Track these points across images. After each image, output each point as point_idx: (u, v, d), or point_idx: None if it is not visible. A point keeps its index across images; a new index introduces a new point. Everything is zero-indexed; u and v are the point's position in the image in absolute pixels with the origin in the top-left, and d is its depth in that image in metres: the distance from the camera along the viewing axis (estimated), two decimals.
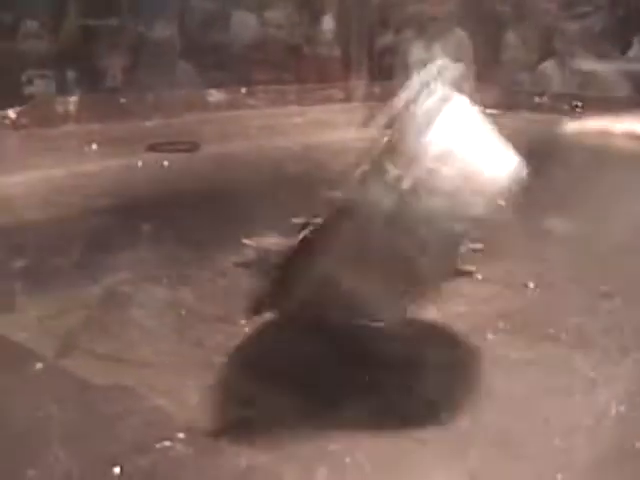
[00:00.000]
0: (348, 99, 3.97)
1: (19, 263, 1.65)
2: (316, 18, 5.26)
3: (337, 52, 4.81)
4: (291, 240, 1.38)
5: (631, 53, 4.58)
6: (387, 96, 3.94)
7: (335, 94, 3.95)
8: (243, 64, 4.61)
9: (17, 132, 2.71)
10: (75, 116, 2.90)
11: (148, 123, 3.09)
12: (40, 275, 1.55)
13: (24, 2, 4.56)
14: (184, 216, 1.87)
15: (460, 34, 5.07)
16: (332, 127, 3.26)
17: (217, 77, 4.61)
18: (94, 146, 2.39)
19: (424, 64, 4.50)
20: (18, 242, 1.75)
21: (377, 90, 4.19)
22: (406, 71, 4.93)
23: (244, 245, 1.42)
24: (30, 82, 3.82)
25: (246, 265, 1.40)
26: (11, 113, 2.77)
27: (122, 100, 3.17)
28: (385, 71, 4.76)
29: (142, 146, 2.47)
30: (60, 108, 2.88)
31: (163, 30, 4.55)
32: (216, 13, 5.14)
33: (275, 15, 4.90)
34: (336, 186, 2.11)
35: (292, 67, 4.74)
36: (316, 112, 3.59)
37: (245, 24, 5.14)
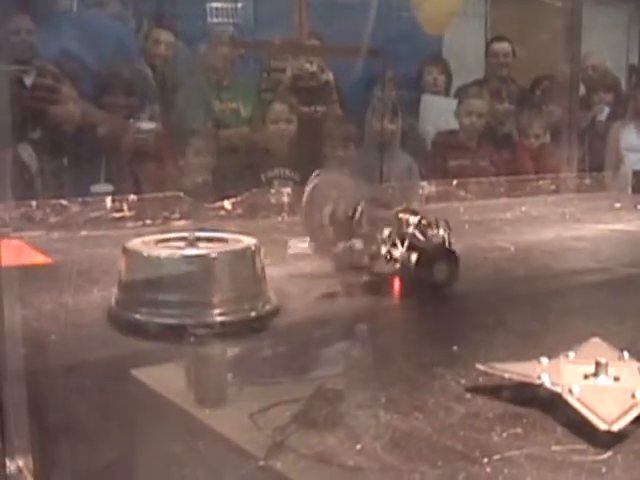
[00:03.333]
0: (559, 191, 3.89)
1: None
2: (521, 106, 5.22)
3: (546, 141, 4.73)
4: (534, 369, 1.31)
5: None
6: (599, 187, 3.87)
7: (545, 186, 3.87)
8: (444, 154, 4.62)
9: (231, 222, 2.77)
10: (288, 208, 2.95)
11: None
12: (253, 368, 1.54)
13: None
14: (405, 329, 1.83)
15: None
16: (544, 223, 3.18)
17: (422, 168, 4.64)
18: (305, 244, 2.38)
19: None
20: None
21: (588, 181, 4.09)
22: (618, 160, 4.81)
23: (477, 370, 1.36)
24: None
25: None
26: (227, 204, 2.85)
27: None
28: (596, 160, 4.66)
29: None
30: (273, 199, 2.93)
31: (373, 119, 4.63)
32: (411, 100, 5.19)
33: (475, 102, 4.88)
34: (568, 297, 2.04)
35: (498, 157, 4.70)
36: (527, 205, 3.52)
37: (441, 112, 5.16)
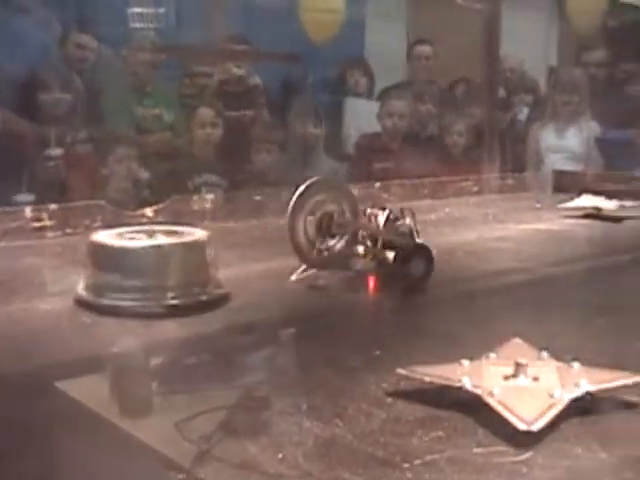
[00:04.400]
0: (481, 192, 3.92)
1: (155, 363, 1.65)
2: (442, 108, 5.27)
3: (468, 143, 4.78)
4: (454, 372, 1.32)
5: None
6: (521, 188, 3.91)
7: (468, 187, 3.91)
8: (368, 157, 4.64)
9: None
10: (211, 214, 2.93)
11: (282, 221, 3.10)
12: (175, 376, 1.53)
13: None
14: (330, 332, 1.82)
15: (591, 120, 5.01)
16: (467, 224, 3.21)
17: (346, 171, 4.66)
18: (234, 250, 2.38)
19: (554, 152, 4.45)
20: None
21: (510, 182, 4.14)
22: (538, 160, 4.89)
23: (398, 374, 1.36)
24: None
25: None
26: (148, 211, 2.83)
27: (257, 197, 3.19)
28: (518, 160, 4.72)
29: (274, 249, 2.46)
30: (196, 206, 2.91)
31: (296, 123, 4.63)
32: (335, 103, 5.21)
33: (397, 104, 4.91)
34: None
35: (422, 159, 4.73)
36: (450, 206, 3.55)
37: (364, 114, 5.18)
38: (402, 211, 2.18)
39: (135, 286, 1.86)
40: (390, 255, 2.10)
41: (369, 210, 2.18)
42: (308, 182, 2.15)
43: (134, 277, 1.87)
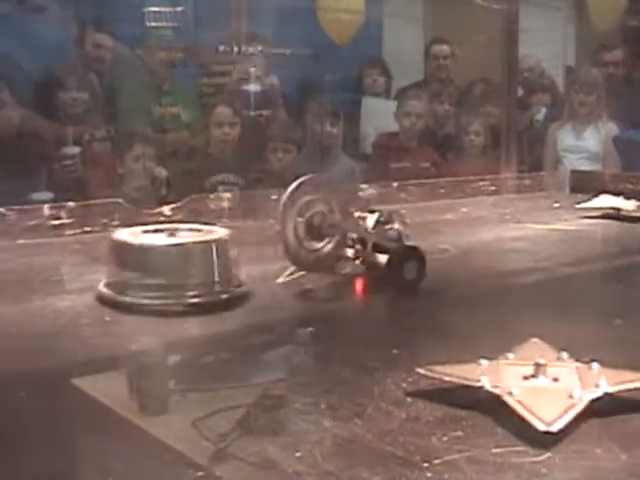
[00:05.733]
0: (499, 191, 3.91)
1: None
2: (459, 107, 5.26)
3: (485, 142, 4.77)
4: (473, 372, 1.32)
5: None
6: (538, 188, 3.89)
7: (485, 187, 3.90)
8: (385, 156, 4.63)
9: None
10: (228, 213, 2.93)
11: None
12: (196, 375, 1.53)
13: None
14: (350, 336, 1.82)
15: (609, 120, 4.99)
16: (484, 224, 3.20)
17: (363, 170, 4.65)
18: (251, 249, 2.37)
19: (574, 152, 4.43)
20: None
21: (527, 182, 4.12)
22: (556, 160, 4.87)
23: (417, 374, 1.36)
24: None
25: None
26: (166, 210, 2.84)
27: (274, 196, 3.19)
28: (535, 160, 4.70)
29: None
30: (212, 204, 2.92)
31: (314, 123, 4.63)
32: (352, 102, 5.21)
33: (414, 104, 4.90)
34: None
35: (439, 158, 4.72)
36: (467, 206, 3.54)
37: (381, 114, 5.17)
38: (391, 215, 2.11)
39: (156, 284, 1.87)
40: (382, 259, 2.02)
41: (358, 213, 2.11)
42: (299, 180, 2.03)
43: (155, 275, 1.88)
